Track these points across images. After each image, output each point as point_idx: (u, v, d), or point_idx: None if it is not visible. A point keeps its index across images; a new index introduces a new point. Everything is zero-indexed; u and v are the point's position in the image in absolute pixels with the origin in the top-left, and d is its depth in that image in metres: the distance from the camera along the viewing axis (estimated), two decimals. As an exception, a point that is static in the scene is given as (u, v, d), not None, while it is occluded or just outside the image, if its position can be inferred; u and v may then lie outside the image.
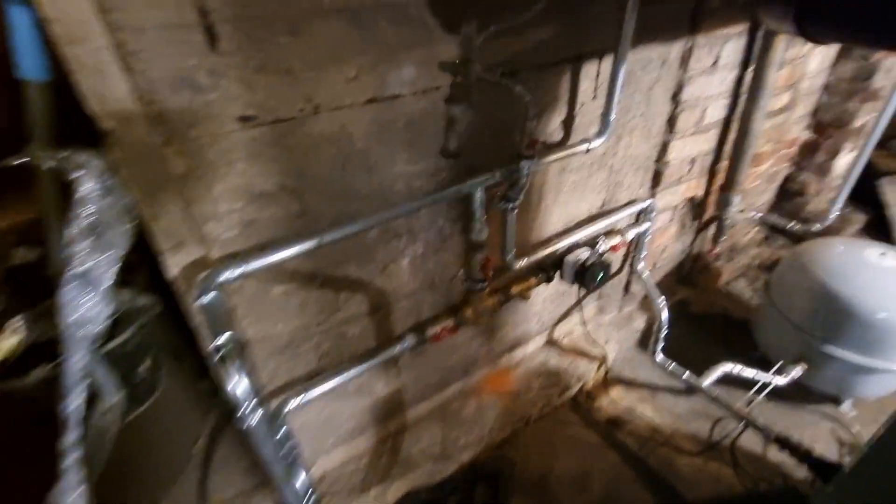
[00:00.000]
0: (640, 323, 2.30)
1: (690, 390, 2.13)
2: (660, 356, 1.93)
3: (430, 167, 1.23)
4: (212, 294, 0.88)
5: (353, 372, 1.31)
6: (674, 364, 1.90)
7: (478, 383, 1.94)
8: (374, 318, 1.39)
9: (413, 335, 1.40)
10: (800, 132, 2.53)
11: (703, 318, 2.48)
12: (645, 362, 2.27)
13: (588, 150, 1.45)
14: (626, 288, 2.26)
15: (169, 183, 0.89)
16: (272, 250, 0.99)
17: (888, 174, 2.76)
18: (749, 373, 1.90)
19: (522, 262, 1.56)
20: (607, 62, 1.41)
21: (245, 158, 0.94)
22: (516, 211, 1.40)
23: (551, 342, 2.15)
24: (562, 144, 1.48)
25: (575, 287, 2.03)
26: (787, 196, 2.71)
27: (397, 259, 1.33)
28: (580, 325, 2.24)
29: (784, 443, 1.61)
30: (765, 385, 1.86)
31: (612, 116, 1.43)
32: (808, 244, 2.04)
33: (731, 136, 2.05)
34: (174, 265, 0.97)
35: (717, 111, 1.90)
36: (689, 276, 2.59)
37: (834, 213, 2.19)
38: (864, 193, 2.70)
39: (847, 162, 2.59)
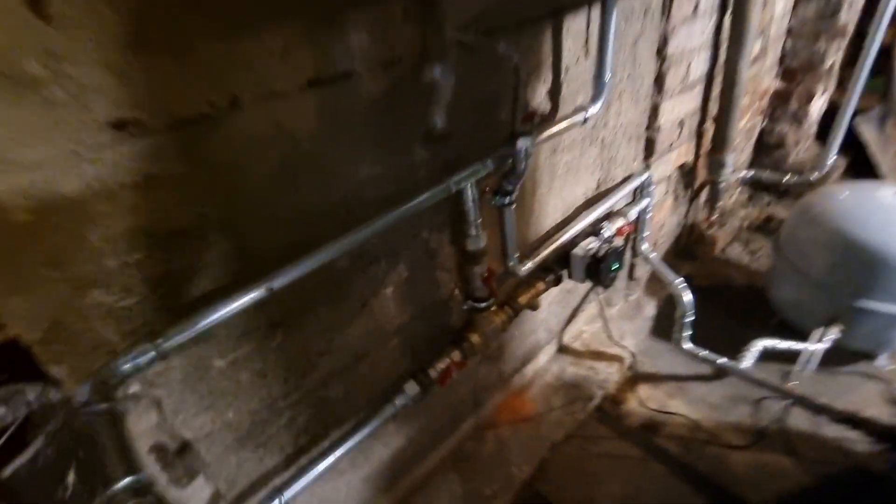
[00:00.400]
0: (650, 310, 2.09)
1: (719, 374, 1.92)
2: (688, 344, 1.71)
3: (403, 165, 0.95)
4: (102, 406, 0.55)
5: (344, 448, 1.00)
6: (706, 351, 1.68)
7: (491, 414, 1.65)
8: (361, 370, 1.08)
9: (413, 382, 1.10)
10: (770, 82, 2.42)
11: (709, 291, 2.30)
12: (664, 352, 2.06)
13: (586, 120, 1.21)
14: (630, 273, 2.05)
15: (12, 239, 0.56)
16: (201, 314, 0.67)
17: (858, 113, 2.70)
18: (785, 345, 1.71)
19: (527, 266, 1.29)
20: (595, 13, 1.17)
21: (133, 185, 0.62)
22: (514, 206, 1.14)
23: (563, 349, 1.89)
24: (552, 118, 1.22)
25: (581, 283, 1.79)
26: (766, 150, 2.60)
27: (378, 289, 1.03)
28: (589, 325, 2.00)
29: (850, 419, 1.41)
30: (802, 355, 1.67)
31: (607, 76, 1.20)
32: (813, 196, 1.89)
33: (715, 93, 1.88)
34: (52, 361, 0.63)
35: (700, 65, 1.72)
36: (686, 249, 2.41)
37: (831, 159, 2.06)
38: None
39: (820, 106, 2.50)
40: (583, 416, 1.73)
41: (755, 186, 2.77)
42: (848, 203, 1.73)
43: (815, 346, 1.65)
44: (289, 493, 0.91)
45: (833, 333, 1.69)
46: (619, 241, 1.51)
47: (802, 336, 1.82)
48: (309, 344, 0.94)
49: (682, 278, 1.69)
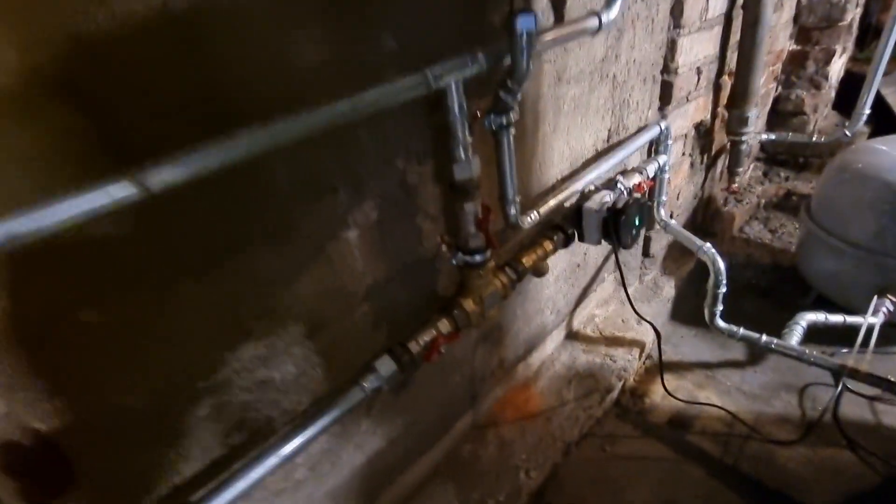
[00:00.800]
0: (669, 290, 1.84)
1: (754, 359, 1.66)
2: (720, 322, 1.45)
3: (364, 55, 0.70)
4: None
5: (292, 446, 0.73)
6: (742, 329, 1.42)
7: (492, 410, 1.38)
8: (318, 345, 0.81)
9: (388, 357, 0.83)
10: (785, 43, 2.22)
11: (733, 271, 2.05)
12: (687, 337, 1.80)
13: (599, 28, 0.97)
14: (646, 249, 1.80)
15: None
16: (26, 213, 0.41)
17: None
18: (835, 319, 1.46)
19: (532, 218, 1.04)
20: None
21: None
22: (513, 131, 0.89)
23: (573, 335, 1.63)
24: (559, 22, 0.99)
25: (592, 255, 1.53)
26: (782, 118, 2.38)
27: (338, 230, 0.77)
28: (601, 308, 1.74)
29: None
30: (856, 330, 1.42)
31: (624, -27, 0.96)
32: (847, 153, 1.66)
33: (733, 40, 1.66)
34: None
35: (718, 1, 1.50)
36: (703, 227, 2.17)
37: (864, 115, 1.83)
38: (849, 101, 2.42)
39: (839, 67, 2.30)
40: (600, 412, 1.46)
41: (771, 162, 2.56)
42: (895, 155, 1.51)
43: (871, 319, 1.40)
44: (211, 512, 0.64)
45: (887, 305, 1.44)
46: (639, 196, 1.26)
47: (844, 311, 1.58)
48: (237, 301, 0.68)
49: (709, 243, 1.44)
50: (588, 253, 1.52)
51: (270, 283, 0.70)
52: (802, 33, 2.21)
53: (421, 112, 0.81)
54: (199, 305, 0.64)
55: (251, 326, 0.70)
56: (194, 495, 0.68)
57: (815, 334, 1.52)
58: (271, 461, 0.70)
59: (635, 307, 1.50)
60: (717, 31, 1.58)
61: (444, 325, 0.89)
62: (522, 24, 0.72)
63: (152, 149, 0.50)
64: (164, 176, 0.48)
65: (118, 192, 0.45)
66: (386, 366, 0.82)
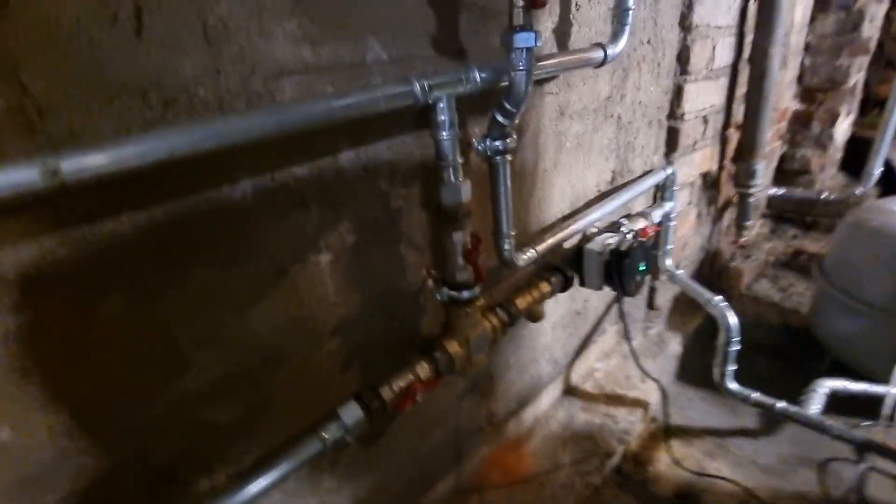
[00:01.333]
0: (675, 346, 1.72)
1: (769, 428, 1.52)
2: (732, 384, 1.33)
3: (348, 59, 0.64)
4: None
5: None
6: (755, 393, 1.29)
7: (478, 472, 1.23)
8: (274, 383, 0.70)
9: (355, 404, 0.72)
10: (790, 102, 2.22)
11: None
12: (695, 399, 1.66)
13: (604, 60, 0.93)
14: (651, 301, 1.70)
15: None
16: None
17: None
18: (857, 388, 1.33)
19: (528, 256, 0.95)
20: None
21: None
22: (510, 158, 0.82)
23: (571, 389, 1.49)
24: (563, 50, 0.95)
25: (593, 303, 1.43)
26: (788, 177, 2.35)
27: (306, 253, 0.68)
28: (603, 361, 1.61)
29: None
30: (886, 401, 1.29)
31: (630, 5, 0.93)
32: (862, 211, 1.60)
33: (740, 93, 1.65)
34: None
35: (725, 52, 1.49)
36: (709, 280, 2.08)
37: (876, 173, 1.79)
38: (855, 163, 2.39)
39: (845, 128, 2.29)
40: (599, 480, 1.31)
41: (778, 219, 2.50)
42: (914, 213, 1.44)
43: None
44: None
45: (917, 373, 1.32)
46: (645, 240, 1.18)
47: (863, 379, 1.45)
48: (177, 323, 0.58)
49: (720, 296, 1.34)
50: (589, 300, 1.43)
51: (218, 307, 0.61)
52: (807, 94, 2.22)
53: (410, 129, 0.75)
54: (131, 326, 0.54)
55: (192, 356, 0.60)
56: (98, 564, 0.55)
57: (834, 403, 1.39)
58: (198, 525, 0.58)
59: (641, 365, 1.38)
60: (724, 82, 1.56)
61: (423, 369, 0.79)
62: (521, 40, 0.67)
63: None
64: (73, 163, 0.40)
65: (19, 176, 0.37)
66: (351, 413, 0.70)
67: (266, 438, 0.72)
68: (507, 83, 0.72)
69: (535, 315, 1.01)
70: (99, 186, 0.48)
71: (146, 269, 0.54)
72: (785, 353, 1.84)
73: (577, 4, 0.97)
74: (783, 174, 2.37)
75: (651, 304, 1.70)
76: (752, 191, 1.70)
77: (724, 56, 1.50)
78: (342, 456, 0.86)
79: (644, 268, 1.11)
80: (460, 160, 0.72)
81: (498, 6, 0.80)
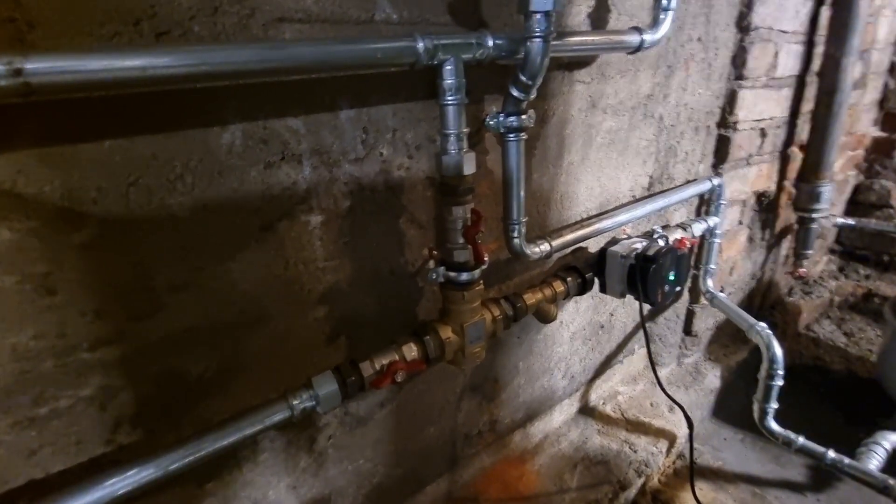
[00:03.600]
0: (713, 380, 1.56)
1: (817, 484, 1.32)
2: (773, 424, 1.17)
3: (352, 9, 0.63)
4: None
5: (183, 459, 0.58)
6: (801, 438, 1.13)
7: (475, 482, 1.15)
8: (253, 342, 0.68)
9: (331, 375, 0.68)
10: (868, 128, 2.01)
11: (795, 373, 1.73)
12: (732, 441, 1.49)
13: (640, 47, 0.86)
14: (688, 326, 1.55)
15: None
16: None
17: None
18: (931, 447, 1.13)
19: (540, 248, 0.89)
20: None
21: None
22: (525, 137, 0.77)
23: (588, 410, 1.38)
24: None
25: (619, 318, 1.33)
26: (864, 209, 2.12)
27: (295, 209, 0.66)
28: (628, 386, 1.49)
29: None
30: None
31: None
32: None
33: (806, 108, 1.50)
34: None
35: (790, 59, 1.37)
36: (760, 313, 1.89)
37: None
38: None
39: (936, 161, 2.04)
40: (610, 512, 1.18)
41: (848, 256, 2.26)
42: None
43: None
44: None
45: None
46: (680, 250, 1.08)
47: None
48: (150, 263, 0.57)
49: (765, 324, 1.19)
50: (615, 315, 1.32)
51: (197, 252, 0.60)
52: (889, 119, 2.01)
53: (419, 96, 0.72)
54: (101, 259, 0.54)
55: (165, 298, 0.59)
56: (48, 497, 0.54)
57: (899, 463, 1.19)
58: (149, 474, 0.55)
59: (667, 391, 1.25)
60: (787, 93, 1.43)
61: (410, 350, 0.74)
62: (538, 3, 0.63)
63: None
64: (53, 67, 0.39)
65: (-19, 71, 0.37)
66: (324, 383, 0.66)
67: (239, 401, 0.69)
68: (522, 55, 0.68)
69: (545, 314, 0.93)
70: (80, 106, 0.48)
71: (122, 199, 0.53)
72: (845, 404, 1.62)
73: (616, -14, 0.92)
74: (857, 206, 2.14)
75: (688, 330, 1.55)
76: (814, 216, 1.53)
77: (789, 65, 1.37)
78: (321, 436, 0.82)
79: (674, 279, 1.01)
80: (465, 129, 0.68)
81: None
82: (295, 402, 0.65)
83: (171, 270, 0.59)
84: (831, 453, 1.10)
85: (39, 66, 0.40)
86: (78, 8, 0.47)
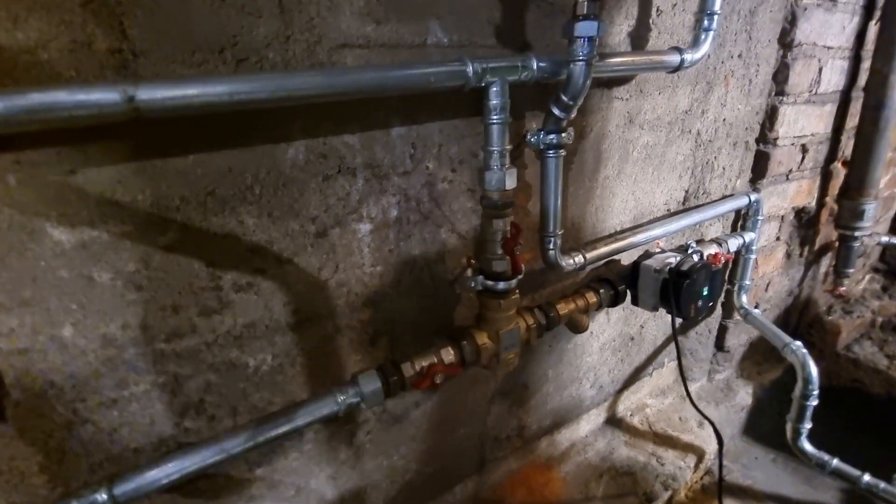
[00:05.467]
0: (744, 397, 1.54)
1: (853, 509, 1.29)
2: (806, 444, 1.16)
3: (407, 38, 0.67)
4: None
5: (242, 444, 0.63)
6: (836, 460, 1.11)
7: (502, 485, 1.18)
8: (303, 340, 0.74)
9: (375, 374, 0.73)
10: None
11: (830, 395, 1.69)
12: (763, 461, 1.47)
13: (680, 66, 0.88)
14: (720, 341, 1.54)
15: None
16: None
17: None
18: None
19: (575, 261, 0.92)
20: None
21: None
22: (563, 154, 0.80)
23: (615, 421, 1.39)
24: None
25: (650, 331, 1.34)
26: (912, 229, 2.04)
27: (346, 217, 0.71)
28: (656, 398, 1.49)
29: None
30: None
31: (715, 9, 0.88)
32: None
33: (850, 125, 1.47)
34: None
35: (834, 75, 1.35)
36: (796, 332, 1.84)
37: None
38: None
39: None
40: (634, 523, 1.19)
41: (892, 276, 2.17)
42: None
43: None
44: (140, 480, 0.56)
45: None
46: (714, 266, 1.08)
47: None
48: (220, 265, 0.63)
49: (800, 343, 1.18)
50: (645, 327, 1.33)
51: (260, 256, 0.66)
52: (942, 135, 1.93)
53: (463, 114, 0.77)
54: (179, 260, 0.60)
55: (230, 297, 0.65)
56: (126, 474, 0.60)
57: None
58: (212, 455, 0.61)
59: (697, 405, 1.25)
60: (831, 109, 1.41)
61: (447, 353, 0.78)
62: (583, 29, 0.66)
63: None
64: (150, 93, 0.45)
65: (102, 96, 0.44)
66: (369, 381, 0.71)
67: (289, 393, 0.75)
68: (565, 76, 0.72)
69: (576, 324, 0.96)
70: (171, 125, 0.55)
71: (201, 207, 0.60)
72: (882, 429, 1.57)
73: (658, 9, 0.94)
74: (905, 225, 2.06)
75: (720, 345, 1.54)
76: (857, 234, 1.49)
77: (833, 80, 1.35)
78: (360, 431, 0.87)
79: (708, 294, 1.01)
80: (508, 146, 0.72)
81: (569, 1, 0.80)
82: (341, 398, 0.70)
83: (237, 272, 0.65)
84: (867, 477, 1.08)
85: (148, 93, 0.46)
86: (173, 39, 0.53)
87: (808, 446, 1.16)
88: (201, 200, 0.59)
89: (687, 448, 1.33)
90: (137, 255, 0.57)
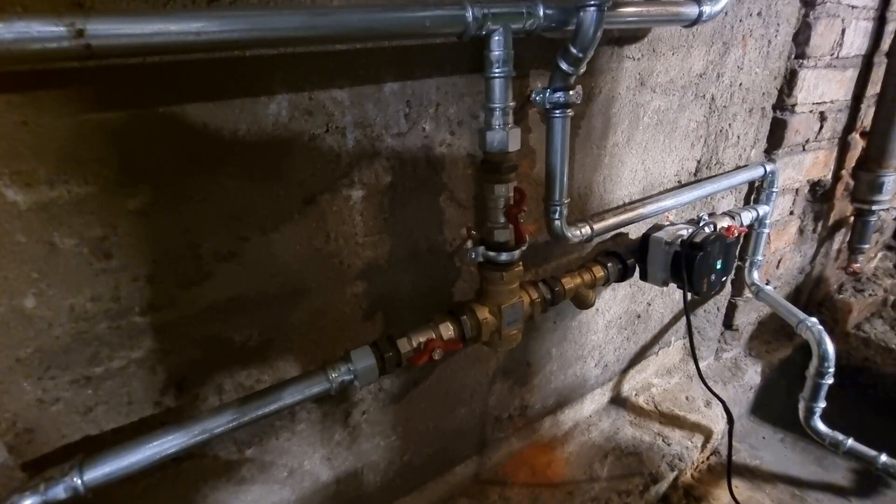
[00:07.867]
0: (753, 376, 1.50)
1: (863, 489, 1.26)
2: (820, 424, 1.12)
3: (400, -18, 0.61)
4: None
5: (224, 424, 0.59)
6: (851, 440, 1.08)
7: (503, 465, 1.15)
8: (294, 314, 0.69)
9: (369, 350, 0.69)
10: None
11: (839, 374, 1.65)
12: (771, 441, 1.44)
13: (698, 19, 0.81)
14: (728, 320, 1.50)
15: None
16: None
17: None
18: None
19: (581, 232, 0.87)
20: None
21: None
22: (571, 114, 0.74)
23: (620, 400, 1.36)
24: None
25: (657, 308, 1.29)
26: (928, 204, 1.97)
27: (337, 183, 0.66)
28: (662, 378, 1.45)
29: None
30: None
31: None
32: None
33: (871, 92, 1.40)
34: None
35: (857, 37, 1.27)
36: (807, 309, 1.79)
37: None
38: None
39: None
40: (639, 503, 1.16)
41: (906, 253, 2.11)
42: None
43: None
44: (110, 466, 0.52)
45: None
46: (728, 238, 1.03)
47: None
48: (198, 231, 0.58)
49: (816, 319, 1.13)
50: (652, 305, 1.28)
51: (242, 223, 0.60)
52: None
53: (462, 70, 0.71)
54: (155, 225, 0.55)
55: (211, 267, 0.60)
56: (91, 458, 0.56)
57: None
58: (195, 435, 0.57)
59: (686, 390, 1.21)
60: (852, 74, 1.33)
61: (446, 328, 0.73)
62: (595, -28, 0.59)
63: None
64: (112, 29, 0.40)
65: (47, 30, 0.38)
66: (362, 358, 0.67)
67: (279, 371, 0.71)
68: (574, 26, 0.65)
69: (582, 300, 0.91)
70: (136, 72, 0.49)
71: (174, 167, 0.54)
72: (894, 409, 1.54)
73: (673, -41, 0.87)
74: (920, 201, 1.99)
75: (729, 323, 1.49)
76: (874, 208, 1.43)
77: (857, 43, 1.28)
78: (356, 410, 0.83)
79: (721, 267, 0.96)
80: (511, 103, 0.66)
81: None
82: (333, 375, 0.66)
83: (217, 239, 0.59)
84: (884, 457, 1.04)
85: (100, 28, 0.40)
86: (134, -27, 0.47)
87: (821, 426, 1.13)
88: (174, 160, 0.54)
89: (694, 428, 1.29)
90: (104, 219, 0.52)
